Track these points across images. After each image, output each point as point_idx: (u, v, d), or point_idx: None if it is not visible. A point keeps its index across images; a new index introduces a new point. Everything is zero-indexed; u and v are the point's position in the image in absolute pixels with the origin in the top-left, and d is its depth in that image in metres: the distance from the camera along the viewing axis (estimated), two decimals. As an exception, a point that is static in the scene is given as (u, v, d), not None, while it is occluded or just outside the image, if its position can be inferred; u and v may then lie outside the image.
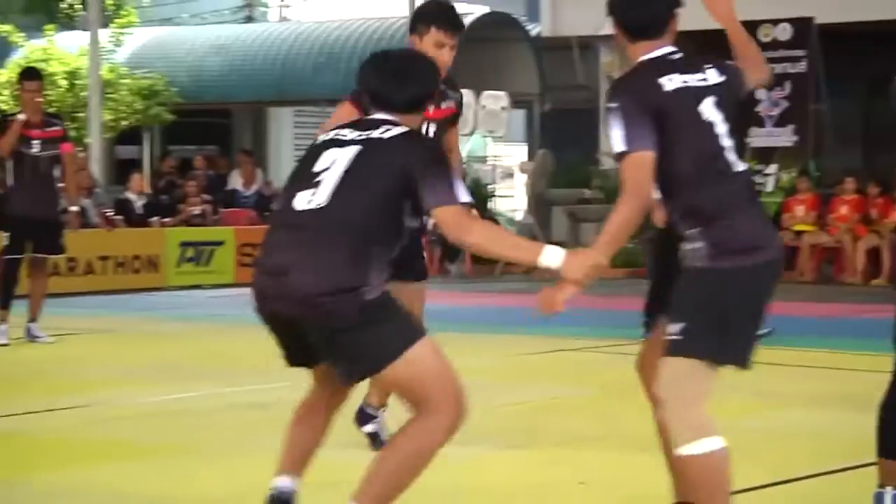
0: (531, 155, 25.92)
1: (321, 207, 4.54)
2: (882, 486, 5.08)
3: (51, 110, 13.99)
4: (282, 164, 26.91)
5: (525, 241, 4.84)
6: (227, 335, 13.16)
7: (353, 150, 4.63)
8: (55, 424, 8.41)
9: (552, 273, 4.50)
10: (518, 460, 6.99)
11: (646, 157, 4.58)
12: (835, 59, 20.44)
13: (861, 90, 22.77)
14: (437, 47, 6.32)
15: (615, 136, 4.62)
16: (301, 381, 5.03)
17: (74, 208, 13.01)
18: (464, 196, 4.57)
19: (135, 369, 10.81)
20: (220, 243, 19.60)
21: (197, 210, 20.53)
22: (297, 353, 4.79)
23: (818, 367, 10.43)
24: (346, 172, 4.58)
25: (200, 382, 9.98)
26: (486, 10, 27.06)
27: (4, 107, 23.90)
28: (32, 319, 12.53)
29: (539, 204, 23.09)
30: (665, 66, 4.85)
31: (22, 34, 26.37)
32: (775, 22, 20.82)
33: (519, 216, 24.77)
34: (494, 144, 23.73)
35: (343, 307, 4.43)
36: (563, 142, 24.64)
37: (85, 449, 7.60)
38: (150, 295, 17.70)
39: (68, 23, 27.47)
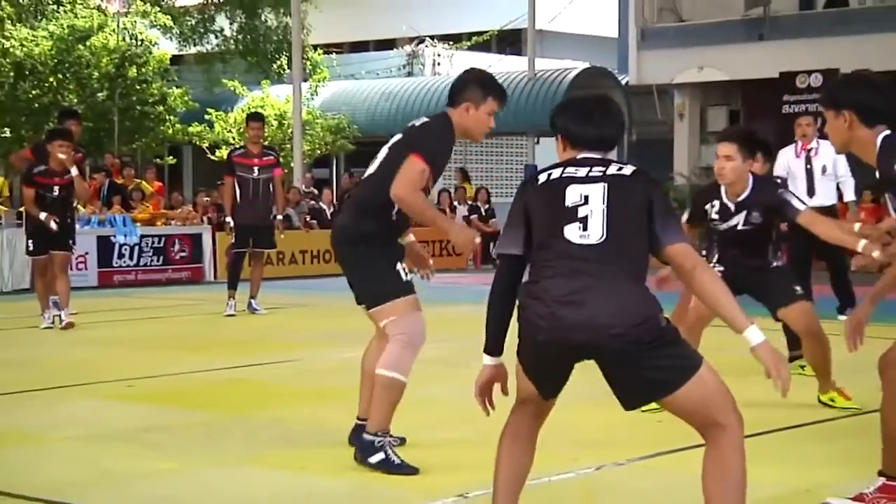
0: (621, 174, 25.72)
1: (603, 241, 3.68)
2: None
3: (266, 144, 14.19)
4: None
5: (738, 308, 3.72)
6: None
7: (601, 187, 3.75)
8: (271, 374, 8.54)
9: None
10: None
11: None
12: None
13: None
14: (490, 115, 5.36)
15: None
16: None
17: (282, 216, 13.24)
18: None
19: (328, 334, 10.94)
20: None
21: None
22: (550, 382, 3.86)
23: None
24: (609, 207, 3.72)
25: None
26: (586, 65, 27.00)
27: (232, 141, 24.40)
28: (252, 296, 12.75)
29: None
30: None
31: (244, 87, 26.86)
32: (809, 72, 20.40)
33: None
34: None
35: (647, 335, 3.60)
36: (645, 164, 24.08)
37: (294, 392, 7.70)
38: (337, 279, 17.83)
39: (278, 79, 27.88)
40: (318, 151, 26.60)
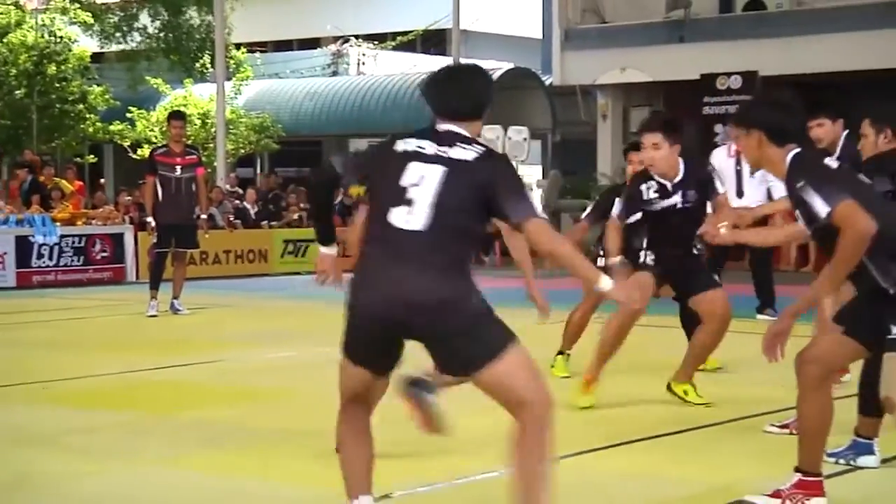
0: (545, 174, 25.89)
1: (426, 229, 3.80)
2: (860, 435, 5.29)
3: (189, 143, 14.06)
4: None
5: (588, 263, 3.96)
6: (318, 309, 13.22)
7: (439, 171, 3.83)
8: (194, 374, 8.48)
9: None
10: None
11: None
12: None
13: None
14: None
15: (817, 204, 4.35)
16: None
17: (205, 215, 13.15)
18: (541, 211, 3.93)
19: (252, 335, 10.88)
20: (313, 240, 19.49)
21: (295, 216, 20.62)
22: (380, 360, 4.02)
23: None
24: (439, 195, 3.80)
25: (300, 344, 10.03)
26: (511, 65, 27.13)
27: (154, 140, 24.15)
28: (175, 297, 12.63)
29: (551, 212, 23.06)
30: (816, 153, 4.66)
31: (168, 86, 26.59)
32: (729, 74, 20.73)
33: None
34: (517, 166, 23.74)
35: (459, 313, 3.77)
36: (569, 164, 24.59)
37: (217, 393, 7.66)
38: (261, 279, 17.82)
39: (201, 77, 27.65)
40: (242, 151, 26.41)
